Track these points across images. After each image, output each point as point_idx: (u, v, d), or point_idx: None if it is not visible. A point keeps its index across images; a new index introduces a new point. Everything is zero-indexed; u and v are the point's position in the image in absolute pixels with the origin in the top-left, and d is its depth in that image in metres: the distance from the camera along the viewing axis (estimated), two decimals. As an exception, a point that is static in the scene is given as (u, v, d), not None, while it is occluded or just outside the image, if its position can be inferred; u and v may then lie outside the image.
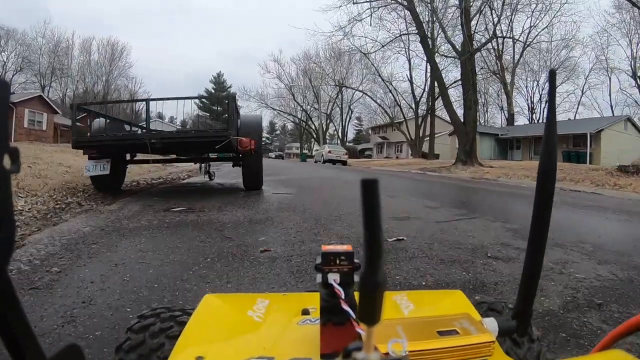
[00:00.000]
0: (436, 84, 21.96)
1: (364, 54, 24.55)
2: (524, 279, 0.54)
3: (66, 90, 47.49)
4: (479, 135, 30.84)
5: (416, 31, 17.16)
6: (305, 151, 48.70)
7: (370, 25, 21.97)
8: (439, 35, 19.79)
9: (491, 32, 17.92)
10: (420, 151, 32.72)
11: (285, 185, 6.60)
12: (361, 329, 0.37)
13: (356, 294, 0.38)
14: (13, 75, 41.43)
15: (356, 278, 0.45)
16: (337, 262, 0.45)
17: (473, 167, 13.69)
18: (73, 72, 49.45)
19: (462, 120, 15.10)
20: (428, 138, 31.98)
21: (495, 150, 30.36)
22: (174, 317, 0.70)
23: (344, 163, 24.36)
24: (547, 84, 0.56)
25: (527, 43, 32.76)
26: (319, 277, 0.46)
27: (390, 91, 36.21)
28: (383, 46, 21.59)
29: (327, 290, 0.45)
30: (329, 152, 24.88)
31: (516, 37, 19.84)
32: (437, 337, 0.47)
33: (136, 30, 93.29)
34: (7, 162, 0.24)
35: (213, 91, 67.52)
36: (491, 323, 0.54)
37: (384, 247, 0.28)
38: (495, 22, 17.51)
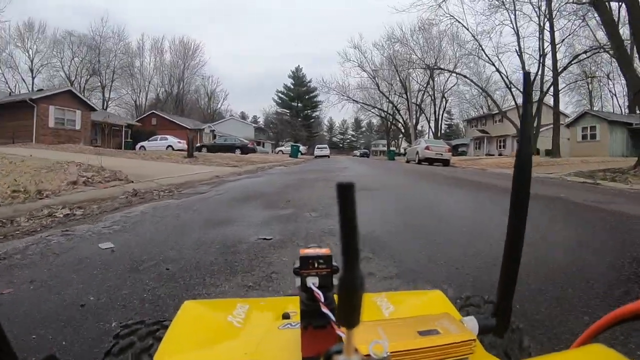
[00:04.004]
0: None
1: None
2: (503, 276, 0.53)
3: (140, 92, 48.04)
4: (607, 125, 23.85)
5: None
6: (393, 148, 45.57)
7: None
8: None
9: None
10: (535, 147, 27.66)
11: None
12: (342, 331, 0.37)
13: (336, 297, 0.39)
14: (87, 81, 42.34)
15: (335, 281, 0.44)
16: (316, 265, 0.45)
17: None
18: (150, 73, 48.91)
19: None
20: (548, 130, 26.63)
21: (627, 145, 22.99)
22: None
23: (446, 163, 18.32)
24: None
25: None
26: (297, 281, 0.45)
27: (497, 69, 30.26)
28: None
29: (307, 294, 0.45)
30: (426, 148, 18.94)
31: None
32: (418, 337, 0.46)
33: (207, 29, 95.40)
34: None
35: (292, 86, 65.66)
36: (471, 322, 0.53)
37: (360, 249, 0.27)
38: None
